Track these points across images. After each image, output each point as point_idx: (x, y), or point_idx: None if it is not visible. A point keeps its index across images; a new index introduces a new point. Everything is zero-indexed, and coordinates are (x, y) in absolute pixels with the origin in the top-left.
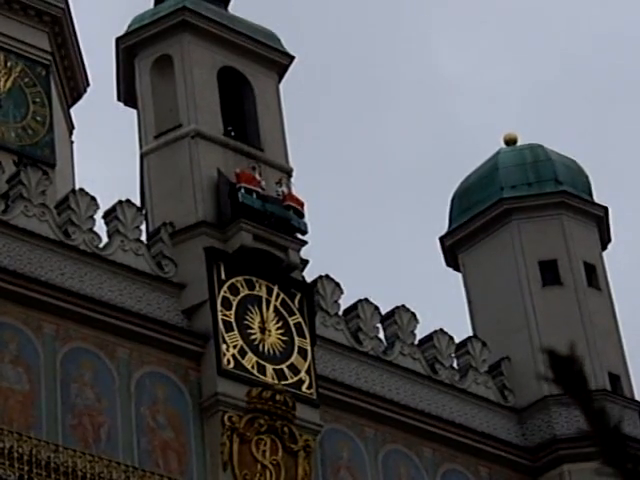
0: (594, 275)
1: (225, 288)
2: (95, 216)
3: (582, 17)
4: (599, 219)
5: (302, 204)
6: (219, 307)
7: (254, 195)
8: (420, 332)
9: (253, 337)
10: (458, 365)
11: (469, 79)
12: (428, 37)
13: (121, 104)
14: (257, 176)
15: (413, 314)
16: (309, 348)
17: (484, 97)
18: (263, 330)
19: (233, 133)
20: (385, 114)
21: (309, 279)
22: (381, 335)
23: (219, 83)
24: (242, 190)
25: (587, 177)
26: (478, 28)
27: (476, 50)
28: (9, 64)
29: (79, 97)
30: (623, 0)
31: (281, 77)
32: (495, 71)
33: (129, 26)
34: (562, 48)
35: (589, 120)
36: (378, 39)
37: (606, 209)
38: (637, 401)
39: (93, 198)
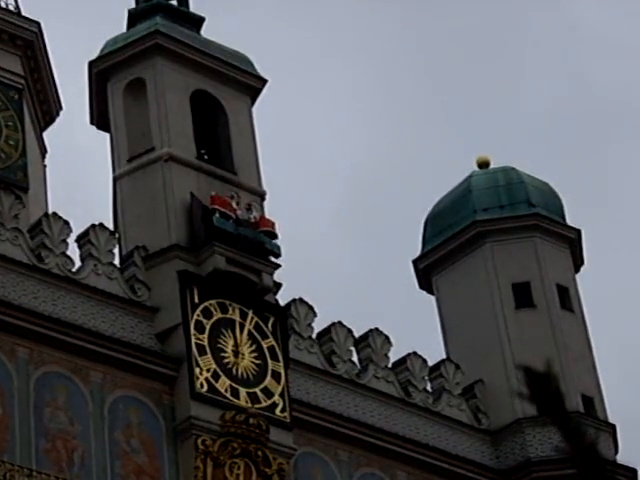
0: (567, 297)
1: (198, 311)
2: (68, 240)
3: None
4: (572, 241)
5: (273, 224)
6: (192, 331)
7: (230, 221)
8: (393, 355)
9: (226, 360)
10: (432, 388)
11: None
12: None
13: (94, 128)
14: (234, 205)
15: (386, 337)
16: (283, 371)
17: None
18: (236, 353)
19: (206, 157)
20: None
21: (282, 302)
22: (355, 358)
23: (192, 107)
24: (217, 214)
25: (560, 200)
26: None
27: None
28: None
29: (52, 121)
30: None
31: (254, 100)
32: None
33: (102, 50)
34: None
35: (562, 143)
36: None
37: (579, 231)
38: (611, 423)
39: (66, 222)
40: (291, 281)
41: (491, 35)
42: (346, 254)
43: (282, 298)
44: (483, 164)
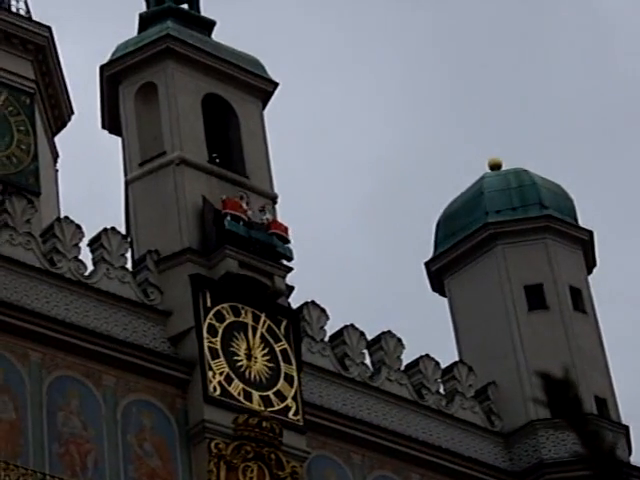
0: (580, 299)
1: (211, 315)
2: (80, 244)
3: None
4: (584, 243)
5: (286, 229)
6: (205, 334)
7: (241, 223)
8: (406, 357)
9: (239, 364)
10: (444, 390)
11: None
12: None
13: (105, 132)
14: (244, 205)
15: (399, 340)
16: (295, 374)
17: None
18: (249, 357)
19: (218, 160)
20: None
21: (295, 305)
22: (367, 361)
23: (203, 110)
24: (228, 217)
25: (572, 201)
26: None
27: None
28: None
29: (63, 125)
30: None
31: (265, 104)
32: None
33: (113, 54)
34: None
35: (574, 144)
36: None
37: (591, 233)
38: (624, 425)
39: (78, 226)
40: (303, 284)
41: (507, 36)
42: (358, 257)
43: (294, 301)
44: (495, 166)
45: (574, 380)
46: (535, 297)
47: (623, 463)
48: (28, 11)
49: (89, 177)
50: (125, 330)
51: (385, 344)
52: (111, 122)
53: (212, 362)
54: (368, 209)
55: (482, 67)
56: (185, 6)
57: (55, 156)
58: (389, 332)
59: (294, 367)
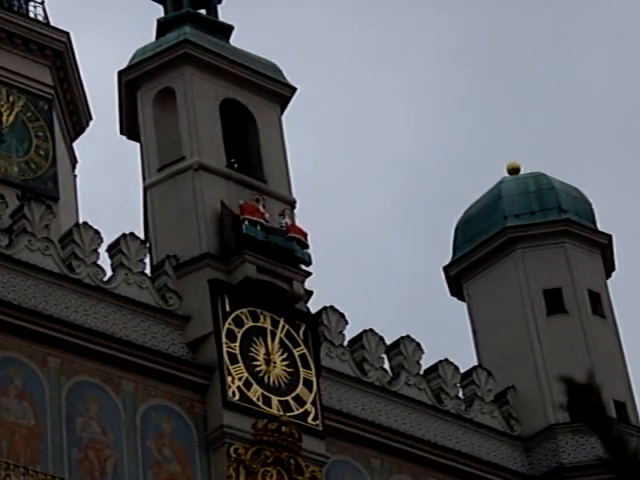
0: (599, 303)
1: (230, 320)
2: (99, 249)
3: None
4: (603, 247)
5: (305, 235)
6: (224, 339)
7: (258, 227)
8: (425, 362)
9: (258, 369)
10: (464, 395)
11: None
12: None
13: (124, 137)
14: (261, 208)
15: (418, 344)
16: (314, 379)
17: None
18: (268, 362)
19: (236, 165)
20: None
21: (314, 310)
22: (386, 365)
23: (221, 115)
24: (246, 222)
25: (591, 205)
26: None
27: None
28: (11, 98)
29: (82, 131)
30: None
31: (283, 108)
32: None
33: (131, 59)
34: None
35: (592, 147)
36: None
37: (610, 237)
38: None
39: (97, 232)
40: (322, 289)
41: (527, 41)
42: (377, 261)
43: (313, 306)
44: (513, 170)
45: (598, 385)
46: (554, 301)
47: None
48: (46, 17)
49: (108, 183)
50: (144, 335)
51: (404, 349)
52: (129, 128)
53: (231, 367)
54: (387, 214)
55: (501, 72)
56: (203, 11)
57: (74, 162)
58: (408, 337)
59: (313, 372)
